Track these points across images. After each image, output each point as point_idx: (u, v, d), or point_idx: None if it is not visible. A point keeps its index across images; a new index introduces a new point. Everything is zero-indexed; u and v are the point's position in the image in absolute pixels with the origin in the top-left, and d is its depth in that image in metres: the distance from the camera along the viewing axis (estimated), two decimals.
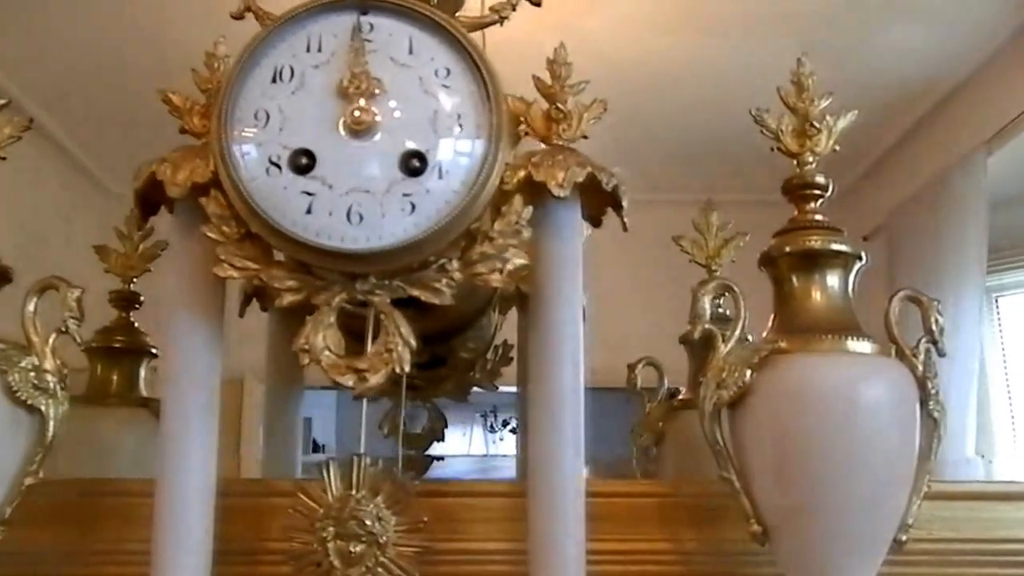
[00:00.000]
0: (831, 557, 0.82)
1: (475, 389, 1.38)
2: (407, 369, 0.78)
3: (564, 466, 0.84)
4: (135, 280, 1.28)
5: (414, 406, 1.33)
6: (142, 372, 1.25)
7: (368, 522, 0.85)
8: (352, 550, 0.84)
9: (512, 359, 1.39)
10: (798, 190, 0.91)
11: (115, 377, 1.23)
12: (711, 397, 0.86)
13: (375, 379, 0.78)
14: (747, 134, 0.94)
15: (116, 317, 1.27)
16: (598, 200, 0.88)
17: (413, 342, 0.78)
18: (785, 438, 0.83)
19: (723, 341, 0.88)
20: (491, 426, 5.01)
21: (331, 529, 0.84)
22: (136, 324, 1.27)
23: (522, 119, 0.83)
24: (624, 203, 0.88)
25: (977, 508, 1.01)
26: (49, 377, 0.87)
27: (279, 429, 1.23)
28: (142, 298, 1.28)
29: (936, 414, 0.86)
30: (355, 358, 0.78)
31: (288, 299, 0.79)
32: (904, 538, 0.85)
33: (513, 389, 1.31)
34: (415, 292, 0.79)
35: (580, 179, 0.83)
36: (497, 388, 1.39)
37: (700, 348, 1.27)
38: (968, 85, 2.84)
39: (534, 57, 0.86)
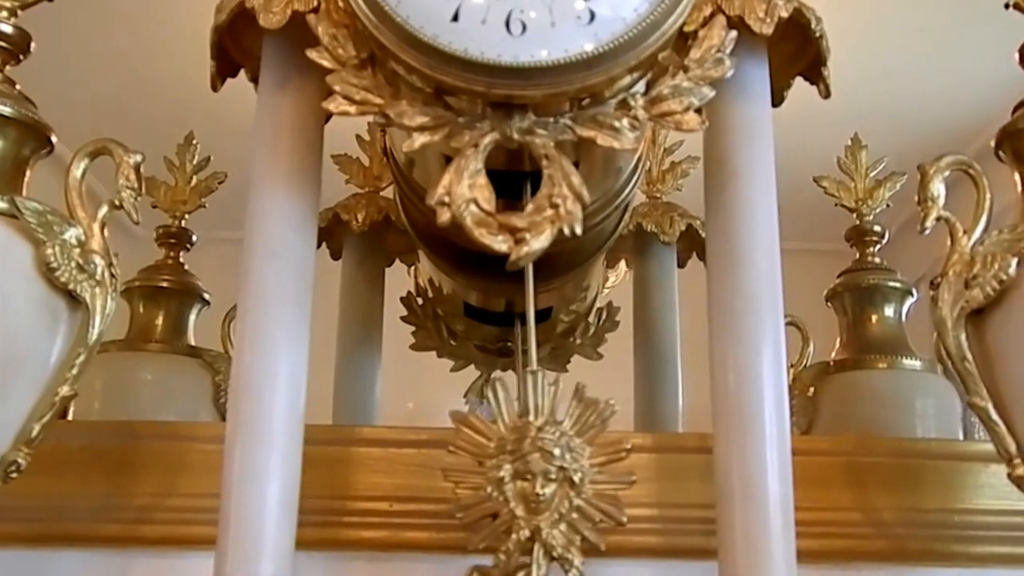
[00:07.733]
0: None
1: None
2: (578, 231, 0.58)
3: (764, 402, 0.64)
4: (186, 216, 1.09)
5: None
6: (191, 318, 1.05)
7: (557, 452, 0.63)
8: (540, 492, 0.62)
9: (619, 323, 1.19)
10: None
11: (160, 321, 1.03)
12: (956, 300, 0.66)
13: (537, 243, 0.58)
14: None
15: (163, 257, 1.08)
16: (789, 53, 0.70)
17: (586, 196, 0.59)
18: None
19: (963, 232, 0.68)
20: None
21: (508, 467, 0.63)
22: (186, 265, 1.08)
23: None
24: (827, 59, 0.70)
25: None
26: (97, 259, 0.67)
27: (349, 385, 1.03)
28: (194, 237, 1.09)
29: None
30: (510, 214, 0.59)
31: (420, 140, 0.60)
32: None
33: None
34: (587, 132, 0.60)
35: (785, 13, 0.65)
36: (601, 357, 1.19)
37: (855, 301, 1.08)
38: None
39: None
